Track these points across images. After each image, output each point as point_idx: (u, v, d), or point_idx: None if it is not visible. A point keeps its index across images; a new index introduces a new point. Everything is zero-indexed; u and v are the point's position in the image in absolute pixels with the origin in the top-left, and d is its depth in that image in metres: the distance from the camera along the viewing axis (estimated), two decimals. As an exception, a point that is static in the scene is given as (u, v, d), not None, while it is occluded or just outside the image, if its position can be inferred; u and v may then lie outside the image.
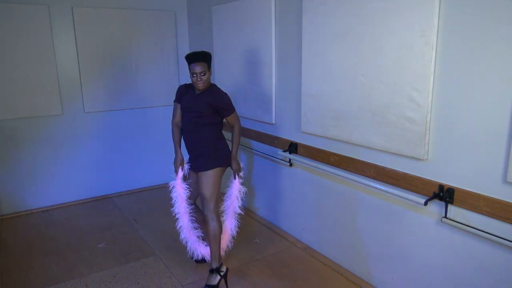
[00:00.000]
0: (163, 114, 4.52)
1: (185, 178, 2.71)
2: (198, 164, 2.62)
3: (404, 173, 2.25)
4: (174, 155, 2.73)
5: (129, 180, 4.51)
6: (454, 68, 1.92)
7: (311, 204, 3.06)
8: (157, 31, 4.35)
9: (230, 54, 3.70)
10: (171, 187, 2.69)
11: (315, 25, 2.66)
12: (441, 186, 2.05)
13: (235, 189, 2.78)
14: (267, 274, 2.82)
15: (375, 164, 2.42)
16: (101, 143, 4.26)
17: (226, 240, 2.84)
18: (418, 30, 2.01)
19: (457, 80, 1.91)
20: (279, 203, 3.47)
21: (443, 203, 2.06)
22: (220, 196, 2.71)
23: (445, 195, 2.03)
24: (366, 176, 2.48)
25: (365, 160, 2.49)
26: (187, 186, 2.69)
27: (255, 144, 3.64)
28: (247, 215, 3.75)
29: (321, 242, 3.04)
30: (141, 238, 3.41)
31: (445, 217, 2.06)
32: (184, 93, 2.63)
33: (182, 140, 2.71)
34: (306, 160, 2.94)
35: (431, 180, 2.10)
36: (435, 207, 2.13)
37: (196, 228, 2.80)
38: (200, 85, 2.48)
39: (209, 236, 2.62)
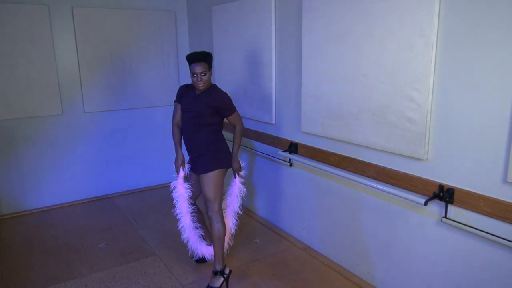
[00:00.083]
0: (163, 114, 4.52)
1: (186, 178, 2.70)
2: (198, 166, 2.61)
3: (404, 173, 2.25)
4: (174, 155, 2.73)
5: (129, 180, 4.51)
6: (454, 68, 1.92)
7: (311, 204, 3.06)
8: (157, 31, 4.35)
9: (230, 54, 3.70)
10: (172, 188, 2.68)
11: (315, 25, 2.67)
12: (441, 186, 2.05)
13: (236, 188, 2.78)
14: (267, 274, 2.82)
15: (375, 164, 2.42)
16: (101, 143, 4.26)
17: (226, 238, 2.84)
18: (418, 30, 2.01)
19: (457, 80, 1.91)
20: (279, 203, 3.47)
21: (443, 203, 2.06)
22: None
23: (445, 195, 2.03)
24: (366, 176, 2.49)
25: (365, 160, 2.49)
26: (189, 186, 2.68)
27: (255, 144, 3.64)
28: (247, 215, 3.75)
29: (321, 242, 3.04)
30: (141, 238, 3.41)
31: (445, 217, 2.06)
32: (185, 93, 2.63)
33: (182, 141, 2.71)
34: (306, 160, 2.94)
35: (431, 180, 2.10)
36: (435, 207, 2.13)
37: (197, 228, 2.80)
38: (201, 85, 2.47)
39: (213, 238, 2.62)
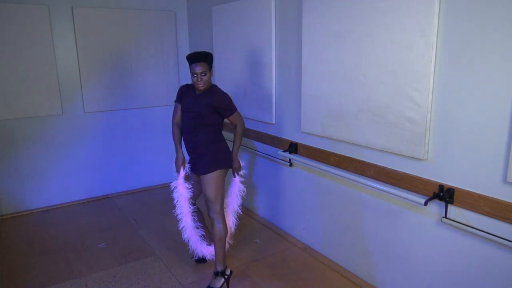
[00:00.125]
0: (163, 114, 4.52)
1: (186, 178, 2.70)
2: (199, 167, 2.61)
3: (404, 173, 2.25)
4: (174, 155, 2.73)
5: (129, 180, 4.51)
6: (454, 68, 1.92)
7: (311, 204, 3.06)
8: (157, 31, 4.35)
9: (230, 54, 3.70)
10: (173, 188, 2.68)
11: (315, 25, 2.67)
12: (441, 186, 2.05)
13: (235, 187, 2.79)
14: (267, 274, 2.82)
15: (375, 164, 2.42)
16: (101, 143, 4.26)
17: (226, 238, 2.84)
18: (418, 30, 2.01)
19: (457, 80, 1.91)
20: (279, 203, 3.47)
21: (443, 203, 2.06)
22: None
23: (445, 195, 2.03)
24: (366, 176, 2.49)
25: (365, 160, 2.49)
26: (189, 186, 2.68)
27: (255, 144, 3.64)
28: (247, 215, 3.75)
29: (321, 242, 3.04)
30: (141, 238, 3.41)
31: (445, 217, 2.06)
32: (185, 93, 2.63)
33: (182, 141, 2.71)
34: (306, 160, 2.94)
35: (431, 180, 2.10)
36: (435, 207, 2.13)
37: (198, 228, 2.80)
38: (201, 86, 2.47)
39: (215, 239, 2.61)
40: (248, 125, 3.62)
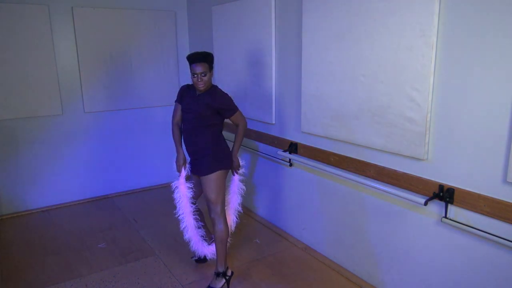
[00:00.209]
0: (163, 114, 4.52)
1: (187, 178, 2.70)
2: (199, 168, 2.61)
3: (404, 173, 2.25)
4: (174, 155, 2.72)
5: (129, 180, 4.51)
6: (454, 68, 1.92)
7: (311, 204, 3.06)
8: (157, 31, 4.35)
9: (230, 54, 3.70)
10: (174, 188, 2.67)
11: (315, 25, 2.67)
12: (441, 186, 2.05)
13: (235, 186, 2.79)
14: (267, 274, 2.82)
15: (375, 164, 2.42)
16: (101, 143, 4.26)
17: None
18: (418, 30, 2.01)
19: (457, 80, 1.92)
20: (279, 203, 3.47)
21: (443, 203, 2.06)
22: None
23: (445, 195, 2.03)
24: (366, 176, 2.49)
25: (365, 160, 2.49)
26: (191, 186, 2.68)
27: (255, 144, 3.64)
28: (247, 215, 3.75)
29: (321, 242, 3.04)
30: (141, 238, 3.41)
31: (445, 217, 2.06)
32: (185, 94, 2.62)
33: (182, 141, 2.71)
34: (306, 160, 2.94)
35: (431, 180, 2.10)
36: (435, 207, 2.13)
37: (199, 228, 2.79)
38: (201, 86, 2.47)
39: (216, 239, 2.61)
40: (248, 125, 3.61)
